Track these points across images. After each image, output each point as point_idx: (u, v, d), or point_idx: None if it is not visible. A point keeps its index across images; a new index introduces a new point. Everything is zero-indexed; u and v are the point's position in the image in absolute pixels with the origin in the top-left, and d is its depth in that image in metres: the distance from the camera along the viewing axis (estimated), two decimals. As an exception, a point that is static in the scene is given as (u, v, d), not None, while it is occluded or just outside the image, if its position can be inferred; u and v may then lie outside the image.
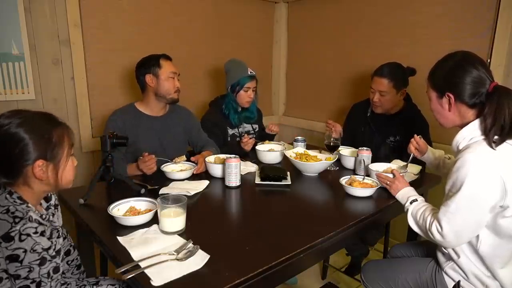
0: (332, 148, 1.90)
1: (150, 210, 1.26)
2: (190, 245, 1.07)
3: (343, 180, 1.58)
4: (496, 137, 1.09)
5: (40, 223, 0.95)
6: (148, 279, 0.92)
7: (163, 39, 2.56)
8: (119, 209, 1.28)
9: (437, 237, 1.17)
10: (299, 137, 2.13)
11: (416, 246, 1.60)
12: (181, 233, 1.16)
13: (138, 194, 1.46)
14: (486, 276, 1.18)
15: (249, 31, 3.12)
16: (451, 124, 1.25)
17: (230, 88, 2.23)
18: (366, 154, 1.76)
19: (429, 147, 1.67)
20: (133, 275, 0.94)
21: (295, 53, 3.30)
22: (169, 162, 1.79)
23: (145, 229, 1.18)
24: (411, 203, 1.34)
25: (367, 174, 1.67)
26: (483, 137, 1.12)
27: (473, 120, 1.17)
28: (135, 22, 2.41)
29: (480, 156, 1.08)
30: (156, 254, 1.02)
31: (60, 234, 1.13)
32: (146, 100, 1.92)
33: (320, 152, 1.94)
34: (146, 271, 0.95)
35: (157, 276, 0.93)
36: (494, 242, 1.15)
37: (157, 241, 1.11)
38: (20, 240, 0.89)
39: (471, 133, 1.15)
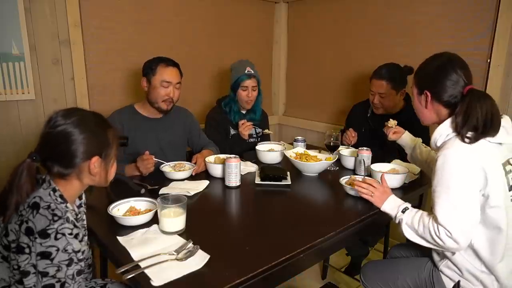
0: (332, 148, 1.90)
1: (150, 210, 1.27)
2: (190, 245, 1.07)
3: (343, 180, 1.58)
4: (469, 133, 1.13)
5: (75, 226, 0.97)
6: (148, 279, 0.92)
7: (163, 39, 2.56)
8: (119, 209, 1.28)
9: (449, 243, 1.11)
10: (299, 137, 2.14)
11: (415, 246, 1.59)
12: (181, 233, 1.16)
13: (138, 194, 1.46)
14: (480, 271, 1.19)
15: (249, 31, 3.12)
16: (428, 121, 1.32)
17: (231, 87, 2.24)
18: (366, 154, 1.76)
19: (406, 131, 1.72)
20: (133, 275, 0.94)
21: (295, 53, 3.30)
22: (167, 164, 1.79)
23: (145, 229, 1.19)
24: (403, 212, 1.25)
25: (368, 174, 1.67)
26: (455, 133, 1.18)
27: (447, 118, 1.22)
28: (135, 22, 2.41)
29: (459, 150, 1.14)
30: (156, 254, 1.03)
31: (86, 233, 1.16)
32: (145, 101, 1.92)
33: (320, 152, 1.95)
34: (146, 271, 0.95)
35: (157, 276, 0.93)
36: (486, 235, 1.16)
37: (157, 241, 1.11)
38: (56, 239, 0.90)
39: (446, 130, 1.21)
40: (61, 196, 0.99)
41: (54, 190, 0.99)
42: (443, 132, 1.21)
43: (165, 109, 1.88)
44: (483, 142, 1.14)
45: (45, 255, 0.89)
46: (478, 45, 2.11)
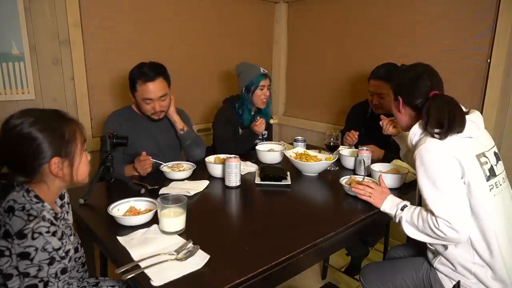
0: (332, 148, 1.90)
1: (150, 210, 1.27)
2: (190, 245, 1.07)
3: (343, 180, 1.58)
4: (437, 130, 1.20)
5: (52, 223, 0.96)
6: (148, 279, 0.92)
7: (163, 38, 2.56)
8: (119, 209, 1.28)
9: (449, 233, 1.13)
10: (299, 137, 2.14)
11: (412, 246, 1.60)
12: (181, 233, 1.16)
13: (138, 194, 1.46)
14: (473, 263, 1.20)
15: (249, 31, 3.12)
16: (404, 124, 1.41)
17: (245, 89, 2.20)
18: (366, 154, 1.76)
19: None
20: (133, 275, 0.94)
21: (295, 53, 3.30)
22: (165, 164, 1.79)
23: (145, 229, 1.19)
24: (402, 209, 1.27)
25: (368, 174, 1.67)
26: (425, 132, 1.27)
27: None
28: (135, 22, 2.41)
29: (431, 143, 1.21)
30: (156, 254, 1.03)
31: (72, 232, 1.14)
32: None
33: (320, 152, 1.95)
34: (146, 271, 0.95)
35: (157, 276, 0.93)
36: (476, 226, 1.19)
37: (157, 241, 1.11)
38: (33, 238, 0.90)
39: (417, 130, 1.30)
40: (36, 196, 0.97)
41: (28, 191, 0.97)
42: (416, 131, 1.30)
43: (156, 119, 1.90)
44: (453, 137, 1.21)
45: (24, 256, 0.89)
46: (478, 45, 2.11)
